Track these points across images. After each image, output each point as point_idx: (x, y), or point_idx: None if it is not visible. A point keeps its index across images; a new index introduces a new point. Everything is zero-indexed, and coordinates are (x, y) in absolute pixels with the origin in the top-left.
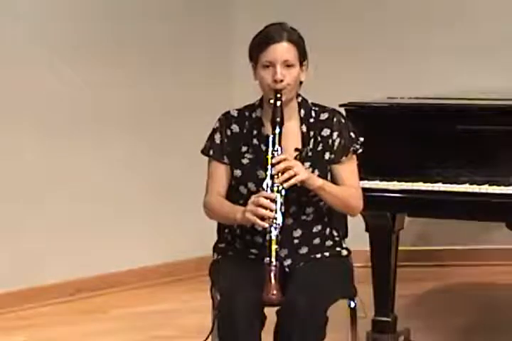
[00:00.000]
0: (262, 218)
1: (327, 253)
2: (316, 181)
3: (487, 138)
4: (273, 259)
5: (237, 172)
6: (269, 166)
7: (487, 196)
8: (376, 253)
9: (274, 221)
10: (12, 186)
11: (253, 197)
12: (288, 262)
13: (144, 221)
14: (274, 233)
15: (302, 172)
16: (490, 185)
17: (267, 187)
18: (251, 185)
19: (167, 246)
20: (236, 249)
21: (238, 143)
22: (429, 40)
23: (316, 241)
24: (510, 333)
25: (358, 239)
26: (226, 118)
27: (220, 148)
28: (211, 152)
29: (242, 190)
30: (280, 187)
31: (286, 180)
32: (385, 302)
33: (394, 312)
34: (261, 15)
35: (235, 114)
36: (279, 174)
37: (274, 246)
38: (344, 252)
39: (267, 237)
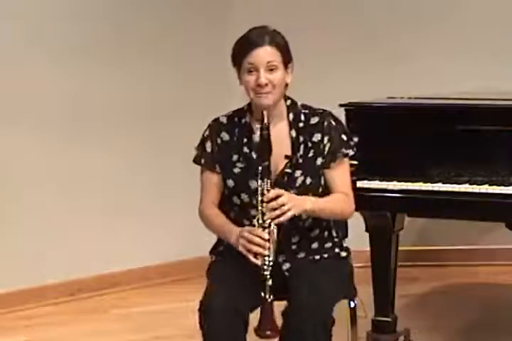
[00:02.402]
0: (256, 255)
1: (326, 255)
2: (306, 206)
3: (487, 138)
4: (267, 296)
5: (230, 183)
6: (259, 200)
7: (487, 196)
8: (376, 253)
9: (266, 258)
10: (12, 186)
11: (245, 232)
12: (287, 266)
13: (144, 221)
14: (267, 272)
15: (294, 208)
16: (490, 185)
17: (258, 223)
18: (244, 196)
19: (167, 246)
20: (234, 251)
21: (229, 151)
22: (430, 39)
23: (315, 245)
24: (511, 333)
25: (358, 239)
26: (216, 126)
27: (211, 157)
28: (203, 161)
29: (236, 200)
30: (272, 224)
31: (277, 217)
32: (385, 302)
33: (394, 312)
34: (260, 16)
35: (225, 121)
36: (270, 211)
37: (267, 283)
38: (343, 253)
39: (261, 272)
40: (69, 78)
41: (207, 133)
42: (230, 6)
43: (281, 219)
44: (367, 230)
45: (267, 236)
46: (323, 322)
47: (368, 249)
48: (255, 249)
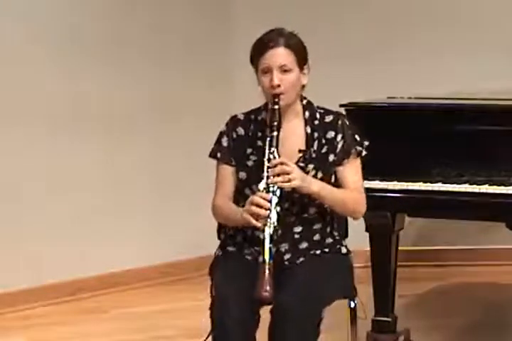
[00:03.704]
0: (258, 218)
1: (327, 250)
2: (312, 187)
3: (487, 138)
4: (267, 258)
5: (243, 175)
6: (265, 168)
7: (487, 196)
8: (376, 253)
9: (268, 220)
10: (12, 186)
11: (250, 197)
12: (288, 256)
13: (144, 221)
14: (268, 232)
15: (297, 179)
16: (490, 185)
17: (263, 187)
18: (256, 188)
19: (167, 246)
20: (236, 243)
21: (243, 145)
22: (431, 39)
23: (317, 237)
24: (511, 333)
25: (358, 239)
26: (232, 122)
27: (227, 151)
28: (219, 155)
29: (247, 192)
30: (275, 188)
31: (279, 183)
32: (385, 302)
33: (394, 312)
34: (261, 16)
35: (241, 118)
36: (274, 176)
37: (267, 245)
38: (344, 250)
39: (262, 236)
40: (69, 77)
41: (223, 129)
42: (233, 5)
43: (285, 185)
44: (367, 230)
45: (269, 198)
46: (311, 321)
47: (368, 249)
48: (257, 210)
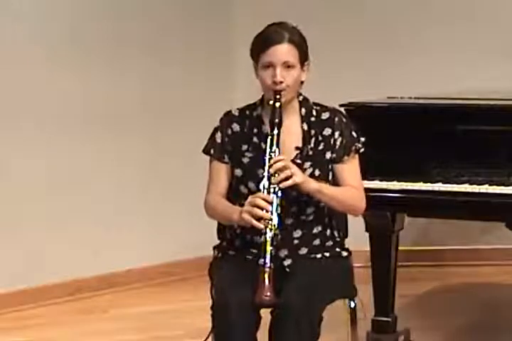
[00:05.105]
0: (258, 219)
1: (327, 254)
2: (312, 184)
3: (487, 138)
4: (267, 261)
5: (238, 172)
6: (266, 167)
7: (487, 196)
8: (376, 253)
9: (270, 222)
10: (12, 186)
11: (250, 198)
12: (288, 262)
13: (144, 221)
14: (269, 234)
15: (299, 175)
16: (490, 185)
17: (264, 188)
18: (251, 185)
19: (167, 246)
20: (235, 248)
21: (239, 141)
22: (429, 39)
23: (316, 242)
24: (510, 333)
25: (358, 239)
26: (227, 118)
27: (220, 147)
28: (212, 151)
29: (243, 189)
30: (277, 189)
31: (282, 181)
32: (384, 302)
33: (394, 312)
34: (261, 15)
35: (236, 113)
36: (276, 174)
37: (268, 248)
38: (344, 253)
39: (262, 238)
40: (69, 78)
41: (218, 124)
42: (233, 4)
43: (289, 182)
44: (367, 230)
45: (271, 199)
46: (310, 321)
47: (368, 249)
48: (259, 212)
